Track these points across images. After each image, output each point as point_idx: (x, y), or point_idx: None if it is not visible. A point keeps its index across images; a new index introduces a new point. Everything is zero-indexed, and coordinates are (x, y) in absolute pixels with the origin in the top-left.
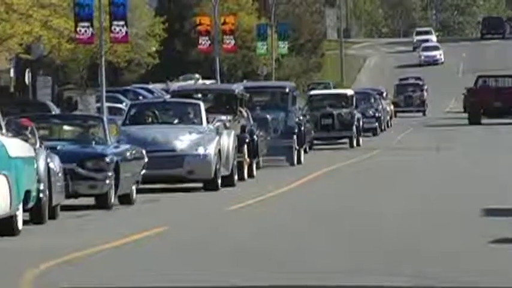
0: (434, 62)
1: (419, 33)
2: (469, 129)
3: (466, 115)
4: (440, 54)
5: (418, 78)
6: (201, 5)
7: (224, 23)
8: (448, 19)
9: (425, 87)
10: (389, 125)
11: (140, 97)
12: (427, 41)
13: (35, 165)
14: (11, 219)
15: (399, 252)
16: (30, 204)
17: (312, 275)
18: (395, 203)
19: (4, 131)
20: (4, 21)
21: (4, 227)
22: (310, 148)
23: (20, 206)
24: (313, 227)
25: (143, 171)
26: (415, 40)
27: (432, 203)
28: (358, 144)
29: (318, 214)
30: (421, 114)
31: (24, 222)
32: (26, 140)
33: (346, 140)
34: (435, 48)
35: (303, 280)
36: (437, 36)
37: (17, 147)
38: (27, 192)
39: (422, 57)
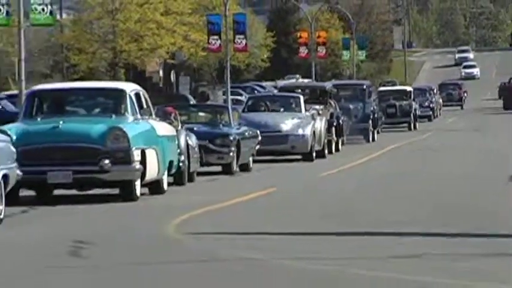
0: (471, 77)
1: (460, 51)
2: (501, 117)
3: (498, 105)
4: (477, 72)
5: (458, 82)
6: (301, 23)
7: (318, 37)
8: (485, 34)
9: (463, 88)
10: (439, 113)
11: (255, 91)
12: (466, 58)
13: (177, 142)
14: (158, 182)
15: (451, 207)
16: (173, 171)
17: (378, 224)
18: (446, 168)
19: (154, 116)
20: (156, 35)
21: (154, 187)
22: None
23: (165, 172)
24: (385, 188)
25: (257, 147)
26: (456, 57)
27: (475, 169)
28: (415, 128)
29: (388, 177)
30: (459, 107)
31: (169, 184)
32: (170, 123)
33: (406, 124)
34: (473, 66)
35: (371, 228)
36: (475, 47)
37: (163, 128)
38: (171, 162)
39: (463, 73)
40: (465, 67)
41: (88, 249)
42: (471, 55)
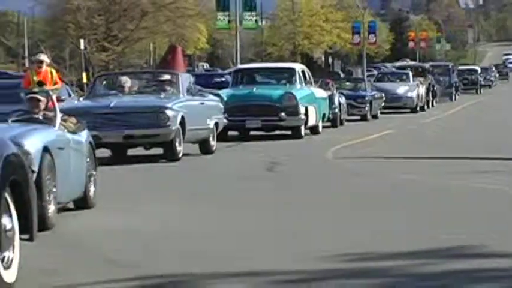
0: None
1: (505, 54)
2: None
3: None
4: None
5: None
6: (410, 26)
7: (421, 35)
8: None
9: (509, 68)
10: (497, 83)
11: (381, 69)
12: (509, 59)
13: (327, 102)
14: (316, 127)
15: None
16: (325, 120)
17: (470, 150)
18: (503, 115)
19: (313, 85)
20: (320, 35)
21: (313, 130)
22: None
23: (320, 120)
24: (467, 127)
25: (382, 104)
26: (503, 58)
27: None
28: (480, 92)
29: (468, 120)
30: (506, 80)
31: (327, 127)
32: (328, 89)
33: (474, 90)
34: None
35: (463, 153)
36: None
37: (319, 92)
38: (324, 114)
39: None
40: (509, 63)
41: (277, 166)
42: None
